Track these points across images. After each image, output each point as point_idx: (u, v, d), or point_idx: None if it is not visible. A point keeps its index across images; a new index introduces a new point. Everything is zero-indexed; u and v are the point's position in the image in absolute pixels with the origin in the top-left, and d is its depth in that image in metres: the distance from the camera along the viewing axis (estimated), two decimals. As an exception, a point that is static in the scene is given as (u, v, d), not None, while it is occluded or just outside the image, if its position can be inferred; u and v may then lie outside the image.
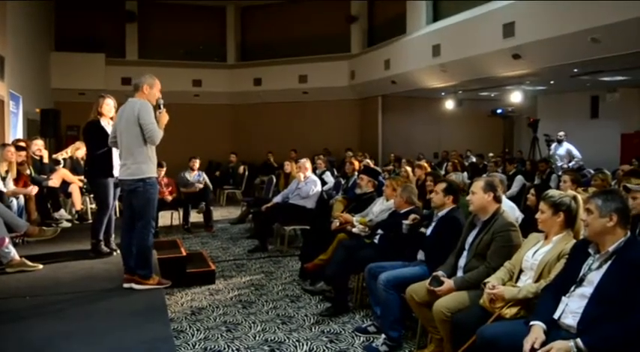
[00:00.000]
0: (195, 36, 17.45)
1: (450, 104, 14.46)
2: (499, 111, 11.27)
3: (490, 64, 10.70)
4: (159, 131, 4.21)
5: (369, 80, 14.90)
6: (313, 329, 4.46)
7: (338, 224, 5.55)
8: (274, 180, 9.66)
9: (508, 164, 9.67)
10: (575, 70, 10.53)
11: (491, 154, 12.07)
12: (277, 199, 7.67)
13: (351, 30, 16.32)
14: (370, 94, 15.81)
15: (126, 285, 4.24)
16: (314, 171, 8.65)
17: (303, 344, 4.13)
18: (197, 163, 9.59)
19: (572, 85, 13.03)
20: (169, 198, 8.56)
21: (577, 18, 8.16)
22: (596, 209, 2.69)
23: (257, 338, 4.27)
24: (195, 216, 9.29)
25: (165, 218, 9.17)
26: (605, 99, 13.64)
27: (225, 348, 4.06)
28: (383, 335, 4.05)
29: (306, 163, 7.60)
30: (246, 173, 12.40)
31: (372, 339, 4.19)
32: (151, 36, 17.02)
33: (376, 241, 4.89)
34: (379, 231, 4.92)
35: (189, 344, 4.11)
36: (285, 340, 4.23)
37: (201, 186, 9.22)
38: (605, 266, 2.64)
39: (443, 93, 14.74)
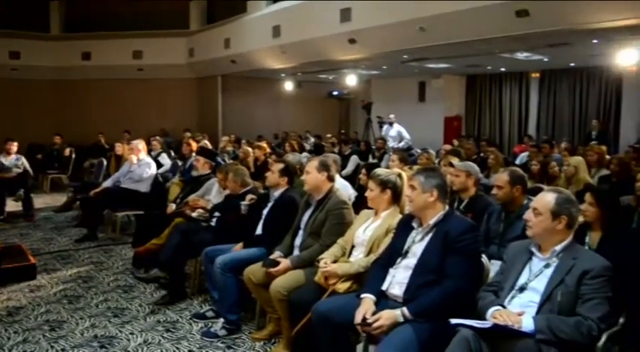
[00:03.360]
0: (10, 1, 15.50)
1: (289, 85, 14.64)
2: (335, 93, 11.65)
3: (328, 47, 10.96)
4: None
5: (208, 58, 14.49)
6: (148, 320, 4.23)
7: (174, 207, 5.30)
8: (105, 163, 8.98)
9: (344, 145, 10.03)
10: (405, 57, 11.21)
11: (328, 135, 12.46)
12: (107, 183, 7.12)
13: (190, 6, 15.68)
14: (210, 73, 15.41)
15: None
16: (149, 152, 8.19)
17: (137, 337, 3.89)
18: (15, 146, 8.65)
19: (403, 71, 13.89)
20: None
21: (408, 7, 8.60)
22: (418, 185, 2.84)
23: (85, 334, 3.93)
24: (13, 205, 8.32)
25: (-24, 207, 8.08)
26: (431, 85, 14.75)
27: (47, 349, 3.67)
28: (221, 319, 3.97)
29: (139, 145, 7.15)
30: (73, 156, 11.32)
31: (210, 324, 4.08)
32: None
33: (213, 224, 4.76)
34: (216, 214, 4.79)
35: (3, 350, 3.65)
36: (117, 334, 3.94)
37: (19, 170, 8.30)
38: (426, 239, 2.81)
39: (283, 75, 14.87)
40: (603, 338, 2.90)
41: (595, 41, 8.63)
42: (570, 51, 9.81)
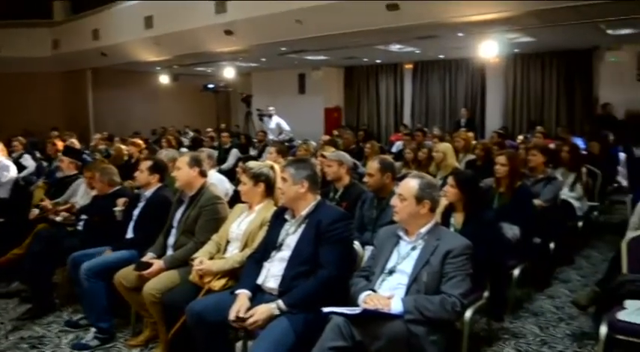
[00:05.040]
0: None
1: (165, 79, 14.13)
2: (210, 86, 11.42)
3: (203, 39, 10.69)
4: None
5: (75, 51, 13.55)
6: (10, 338, 3.85)
7: (37, 212, 4.89)
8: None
9: (223, 138, 9.84)
10: (283, 49, 11.22)
11: (208, 129, 12.19)
12: (-41, 190, 6.41)
13: (52, -5, 14.58)
14: (78, 67, 14.44)
15: None
16: (10, 154, 7.50)
17: (-4, 358, 3.54)
18: None
19: (282, 63, 13.91)
20: None
21: (283, -1, 8.61)
22: (289, 177, 2.83)
23: None
24: None
25: None
26: (310, 77, 14.92)
27: None
28: (93, 329, 3.72)
29: (-5, 147, 6.51)
30: None
31: (81, 336, 3.81)
32: None
33: (80, 228, 4.44)
34: (83, 217, 4.48)
35: None
36: (-28, 358, 3.56)
37: None
38: (300, 230, 2.81)
39: (158, 68, 14.30)
40: (469, 313, 3.11)
41: (460, 34, 9.18)
42: (439, 43, 10.37)
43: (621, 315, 2.97)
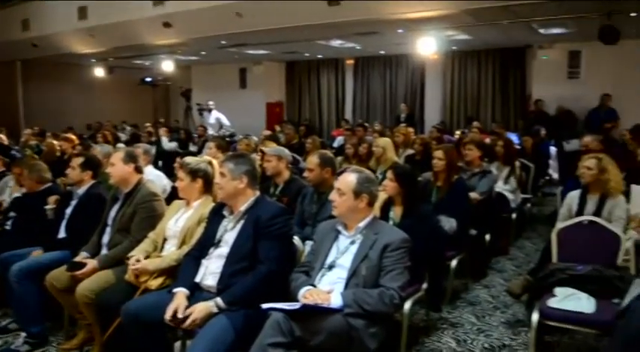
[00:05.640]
0: None
1: (100, 71, 13.63)
2: (148, 79, 11.11)
3: (140, 31, 10.35)
4: None
5: (3, 41, 12.84)
6: None
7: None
8: None
9: (162, 133, 9.62)
10: (223, 42, 11.05)
11: (147, 124, 11.87)
12: None
13: (-25, -18, 13.77)
14: (7, 58, 13.67)
15: None
16: None
17: None
18: None
19: (223, 57, 13.69)
20: None
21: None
22: (228, 172, 2.79)
23: None
24: None
25: None
26: (252, 71, 14.77)
27: None
28: (23, 334, 3.55)
29: None
30: None
31: (10, 341, 3.63)
32: None
33: (8, 227, 4.23)
34: (12, 214, 4.27)
35: None
36: None
37: None
38: (238, 226, 2.78)
39: (93, 60, 13.79)
40: (408, 304, 3.17)
41: (400, 31, 9.31)
42: (379, 39, 10.48)
43: (551, 302, 3.10)
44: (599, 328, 3.01)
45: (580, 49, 10.71)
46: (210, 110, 11.28)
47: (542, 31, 9.31)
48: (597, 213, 3.77)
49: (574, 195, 4.01)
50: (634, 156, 6.03)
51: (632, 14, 7.40)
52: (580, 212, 3.86)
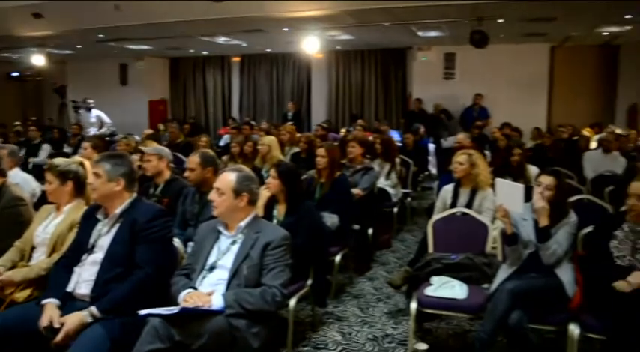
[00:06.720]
0: None
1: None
2: (15, 74, 10.26)
3: (7, 21, 9.54)
4: None
5: None
6: None
7: None
8: None
9: (32, 132, 8.93)
10: (101, 36, 10.47)
11: (17, 123, 10.98)
12: None
13: None
14: None
15: None
16: None
17: None
18: None
19: (101, 52, 12.95)
20: None
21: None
22: (104, 173, 2.64)
23: None
24: None
25: None
26: (133, 67, 14.16)
27: None
28: None
29: None
30: None
31: None
32: None
33: None
34: None
35: None
36: None
37: None
38: (113, 230, 2.64)
39: (-48, 53, 12.53)
40: (293, 301, 3.21)
41: (285, 29, 9.35)
42: (265, 37, 10.47)
43: (428, 291, 3.29)
44: (470, 312, 3.24)
45: (455, 52, 11.46)
46: (89, 108, 10.63)
47: (420, 33, 9.81)
48: (469, 205, 4.02)
49: (448, 189, 4.25)
50: (502, 152, 6.47)
51: (500, 20, 8.05)
52: (453, 204, 4.10)
